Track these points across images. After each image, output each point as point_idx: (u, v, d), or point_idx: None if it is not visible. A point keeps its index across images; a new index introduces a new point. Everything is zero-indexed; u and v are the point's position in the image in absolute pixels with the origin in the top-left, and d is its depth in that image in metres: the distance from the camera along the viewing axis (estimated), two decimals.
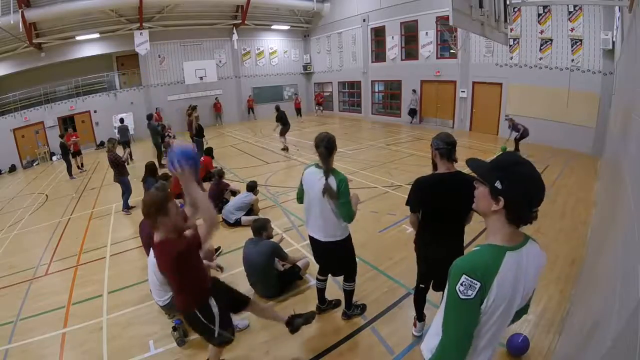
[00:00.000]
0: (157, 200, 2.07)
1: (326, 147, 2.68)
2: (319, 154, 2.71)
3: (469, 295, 1.15)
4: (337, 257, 3.02)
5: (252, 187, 6.09)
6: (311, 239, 3.03)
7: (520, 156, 1.26)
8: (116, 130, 12.90)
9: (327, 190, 2.68)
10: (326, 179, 2.69)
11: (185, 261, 2.09)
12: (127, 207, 6.98)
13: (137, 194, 7.26)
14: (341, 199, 2.70)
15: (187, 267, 2.12)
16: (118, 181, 6.95)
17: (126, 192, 6.99)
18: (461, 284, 1.16)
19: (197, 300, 2.29)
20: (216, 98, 18.45)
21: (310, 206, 2.87)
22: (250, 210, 5.95)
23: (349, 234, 2.98)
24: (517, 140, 9.28)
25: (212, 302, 2.33)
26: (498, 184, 1.20)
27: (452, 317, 1.21)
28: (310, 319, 2.98)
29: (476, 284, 1.15)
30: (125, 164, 6.90)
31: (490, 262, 1.19)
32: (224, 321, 2.39)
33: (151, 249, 3.39)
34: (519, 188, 1.18)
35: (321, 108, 20.69)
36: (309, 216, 2.94)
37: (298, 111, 20.02)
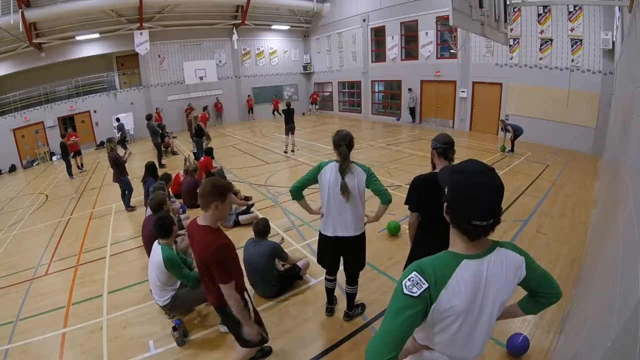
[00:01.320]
0: (223, 184, 2.16)
1: (347, 145, 2.69)
2: (339, 152, 2.70)
3: (413, 293, 1.10)
4: (359, 250, 3.03)
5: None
6: (333, 239, 2.90)
7: (473, 163, 1.19)
8: (115, 129, 13.00)
9: (344, 188, 2.68)
10: (342, 178, 2.69)
11: (224, 257, 2.10)
12: (129, 206, 7.06)
13: (137, 194, 7.27)
14: (376, 185, 2.74)
15: (224, 263, 2.11)
16: (118, 181, 6.97)
17: (128, 190, 7.05)
18: (409, 279, 1.12)
19: (238, 290, 2.24)
20: (217, 98, 18.47)
21: (335, 204, 2.78)
22: (247, 209, 5.95)
23: None
24: (512, 140, 9.33)
25: (247, 294, 2.36)
26: (446, 190, 1.20)
27: (391, 311, 1.13)
28: (268, 354, 2.98)
29: (424, 284, 1.11)
30: (125, 163, 6.94)
31: (443, 266, 1.16)
32: (257, 315, 2.41)
33: (154, 247, 3.40)
34: (453, 198, 1.16)
35: (316, 107, 20.98)
36: (332, 214, 2.83)
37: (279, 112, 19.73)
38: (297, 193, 2.90)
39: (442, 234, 2.52)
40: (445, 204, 1.20)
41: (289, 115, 10.39)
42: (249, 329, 2.27)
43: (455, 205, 1.16)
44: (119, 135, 12.19)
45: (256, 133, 15.47)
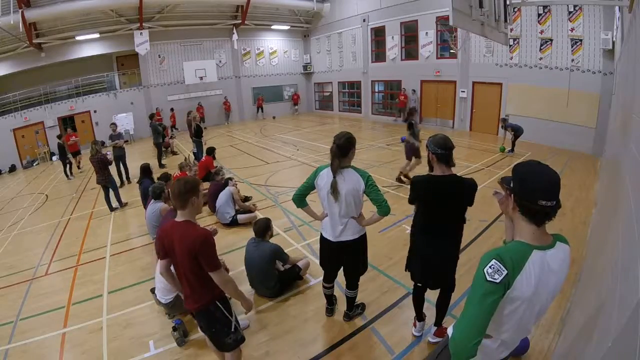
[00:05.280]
0: (194, 179, 2.25)
1: (339, 145, 2.59)
2: (330, 150, 2.64)
3: (495, 279, 1.22)
4: (359, 253, 2.98)
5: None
6: (332, 242, 2.87)
7: (529, 161, 1.37)
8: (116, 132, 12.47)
9: (333, 187, 2.62)
10: (334, 177, 2.63)
11: (212, 244, 2.12)
12: (121, 203, 7.26)
13: (132, 195, 7.25)
14: (377, 195, 2.63)
15: (213, 250, 2.12)
16: (107, 181, 7.00)
17: (115, 189, 7.20)
18: (490, 267, 1.24)
19: (219, 289, 2.23)
20: (225, 97, 18.56)
21: (332, 207, 2.74)
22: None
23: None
24: (512, 140, 9.33)
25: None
26: (511, 184, 1.36)
27: (475, 297, 1.26)
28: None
29: (504, 270, 1.22)
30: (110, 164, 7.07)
31: (519, 255, 1.28)
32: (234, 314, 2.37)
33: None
34: (519, 183, 1.32)
35: (296, 108, 20.99)
36: (330, 217, 2.80)
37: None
38: (299, 201, 2.86)
39: (441, 235, 2.54)
40: (513, 195, 1.34)
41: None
42: (247, 302, 2.37)
43: (523, 189, 1.30)
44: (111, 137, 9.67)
45: (256, 133, 15.47)
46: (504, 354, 1.47)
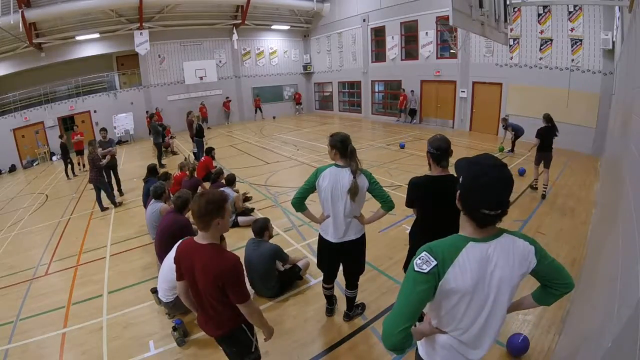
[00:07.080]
0: (219, 197, 1.91)
1: (351, 144, 2.67)
2: (348, 151, 2.63)
3: (423, 269, 1.21)
4: (359, 253, 2.99)
5: (230, 181, 5.88)
6: (333, 243, 2.86)
7: (488, 157, 1.26)
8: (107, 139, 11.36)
9: (354, 189, 2.61)
10: (354, 178, 2.61)
11: (241, 272, 1.92)
12: (115, 203, 7.37)
13: (132, 195, 7.26)
14: (381, 191, 2.68)
15: (241, 280, 1.92)
16: (97, 182, 7.04)
17: (106, 190, 7.24)
18: (419, 258, 1.24)
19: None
20: (227, 97, 18.56)
21: (335, 208, 2.73)
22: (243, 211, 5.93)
23: None
24: (513, 141, 9.31)
25: None
26: (460, 179, 1.28)
27: (404, 287, 1.27)
28: None
29: (432, 261, 1.22)
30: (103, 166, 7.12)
31: (451, 246, 1.26)
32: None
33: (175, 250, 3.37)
34: (466, 186, 1.25)
35: (301, 107, 21.13)
36: (332, 218, 2.79)
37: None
38: (299, 205, 2.80)
39: (440, 236, 2.53)
40: (458, 192, 1.28)
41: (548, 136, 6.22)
42: (269, 330, 2.17)
43: (468, 193, 1.24)
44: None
45: (257, 133, 15.47)
46: (474, 354, 1.39)
